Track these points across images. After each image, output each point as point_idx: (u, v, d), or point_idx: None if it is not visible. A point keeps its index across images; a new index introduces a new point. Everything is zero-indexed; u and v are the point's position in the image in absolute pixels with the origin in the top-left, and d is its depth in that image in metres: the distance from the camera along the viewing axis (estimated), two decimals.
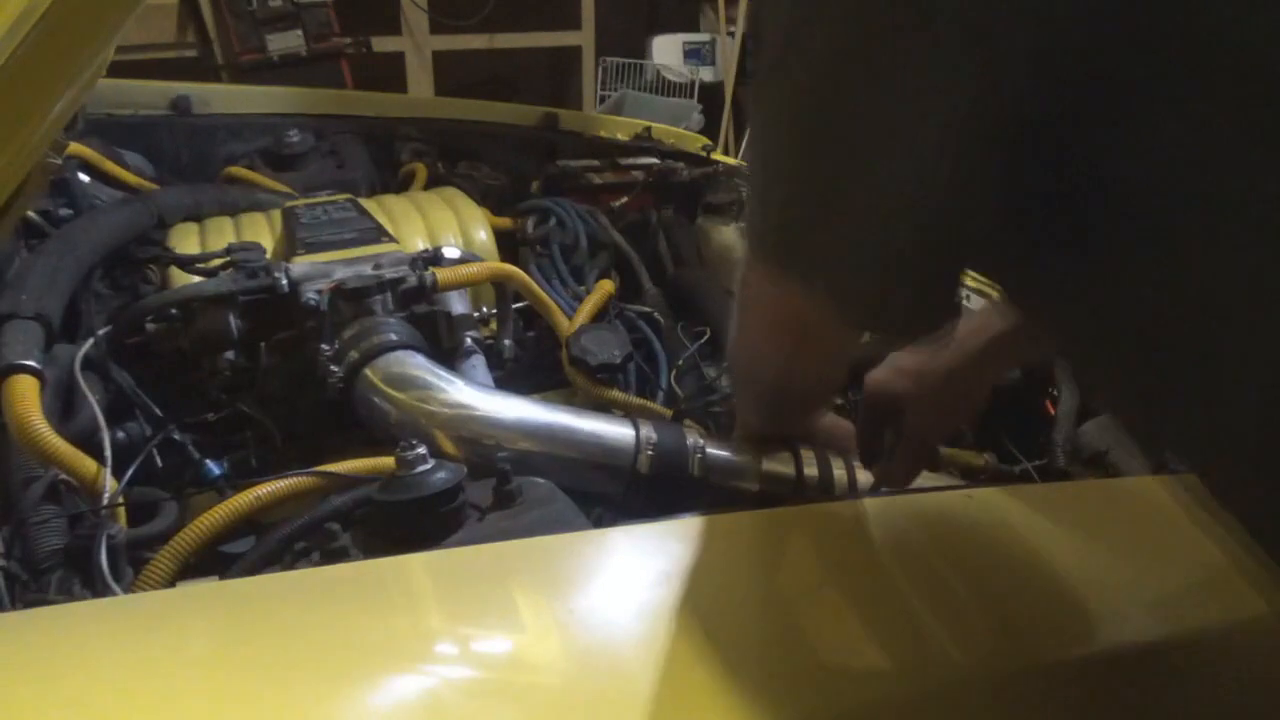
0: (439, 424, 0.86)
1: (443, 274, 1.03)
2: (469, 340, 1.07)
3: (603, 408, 1.04)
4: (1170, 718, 0.62)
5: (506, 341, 1.15)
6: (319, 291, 0.96)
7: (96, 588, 0.71)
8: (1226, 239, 0.32)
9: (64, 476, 0.78)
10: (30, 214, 1.11)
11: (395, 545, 0.66)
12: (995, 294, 1.11)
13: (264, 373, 0.98)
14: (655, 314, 1.27)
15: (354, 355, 0.92)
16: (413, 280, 1.01)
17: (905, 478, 0.83)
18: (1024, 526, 0.67)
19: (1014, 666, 0.55)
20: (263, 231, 1.19)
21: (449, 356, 1.05)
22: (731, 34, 4.04)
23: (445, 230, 1.24)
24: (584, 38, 3.98)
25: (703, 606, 0.57)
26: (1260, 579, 0.64)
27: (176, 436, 0.92)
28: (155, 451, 0.90)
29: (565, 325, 1.16)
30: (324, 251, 1.04)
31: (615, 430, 0.90)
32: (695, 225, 1.57)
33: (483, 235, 1.25)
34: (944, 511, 0.68)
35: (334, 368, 0.92)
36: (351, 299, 0.98)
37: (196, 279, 1.02)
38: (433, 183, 1.56)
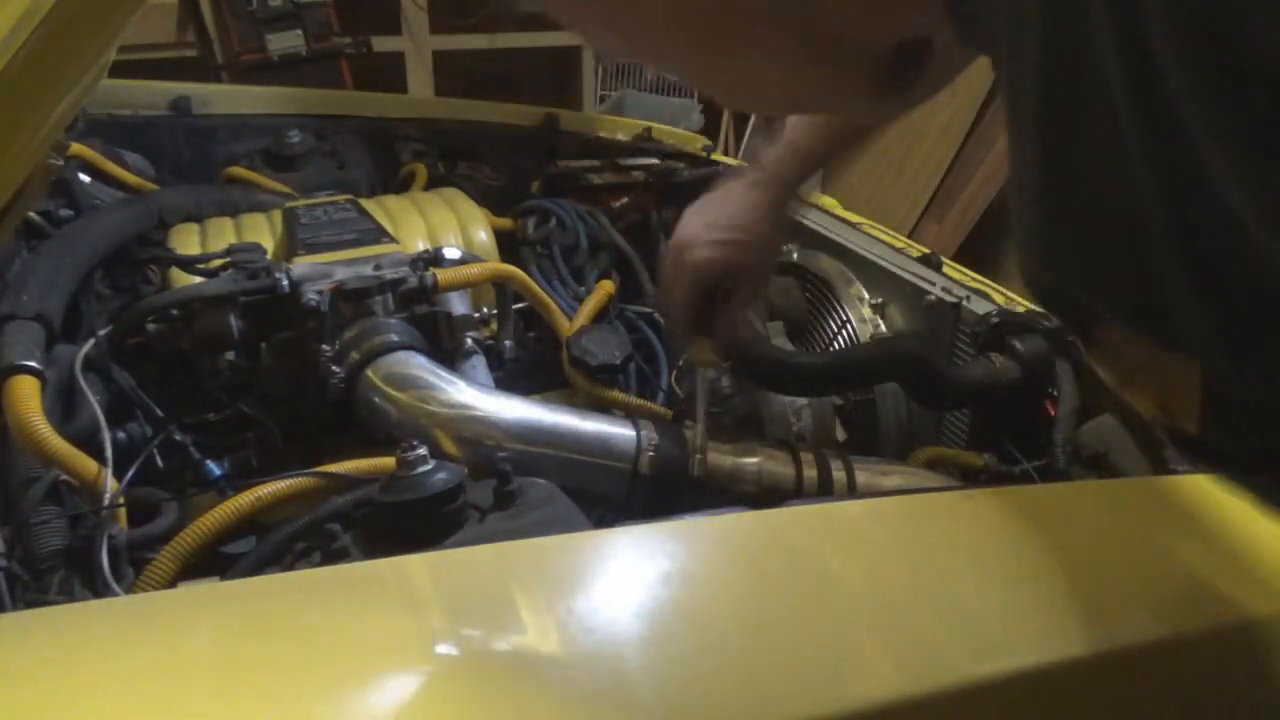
0: (440, 424, 0.86)
1: (443, 275, 1.03)
2: (469, 341, 1.08)
3: (603, 408, 1.04)
4: (1170, 718, 0.62)
5: (507, 342, 1.15)
6: (320, 292, 0.96)
7: (97, 588, 0.71)
8: None
9: (65, 477, 0.78)
10: (31, 215, 1.11)
11: (396, 546, 0.66)
12: (994, 294, 1.11)
13: (264, 373, 0.98)
14: (655, 314, 1.27)
15: (355, 356, 0.92)
16: (413, 281, 1.01)
17: (746, 330, 0.91)
18: (1024, 526, 0.67)
19: (1014, 667, 0.55)
20: (263, 232, 1.19)
21: (449, 357, 1.05)
22: None
23: (445, 231, 1.24)
24: None
25: (703, 607, 0.57)
26: (1260, 579, 0.64)
27: (177, 437, 0.92)
28: (156, 452, 0.90)
29: (566, 326, 1.16)
30: (324, 252, 1.04)
31: (616, 431, 0.91)
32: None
33: (483, 236, 1.26)
34: (944, 511, 0.68)
35: (335, 368, 0.92)
36: (352, 300, 0.98)
37: (197, 279, 1.02)
38: (433, 183, 1.56)
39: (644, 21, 0.42)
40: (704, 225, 0.91)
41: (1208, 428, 0.39)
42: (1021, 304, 1.10)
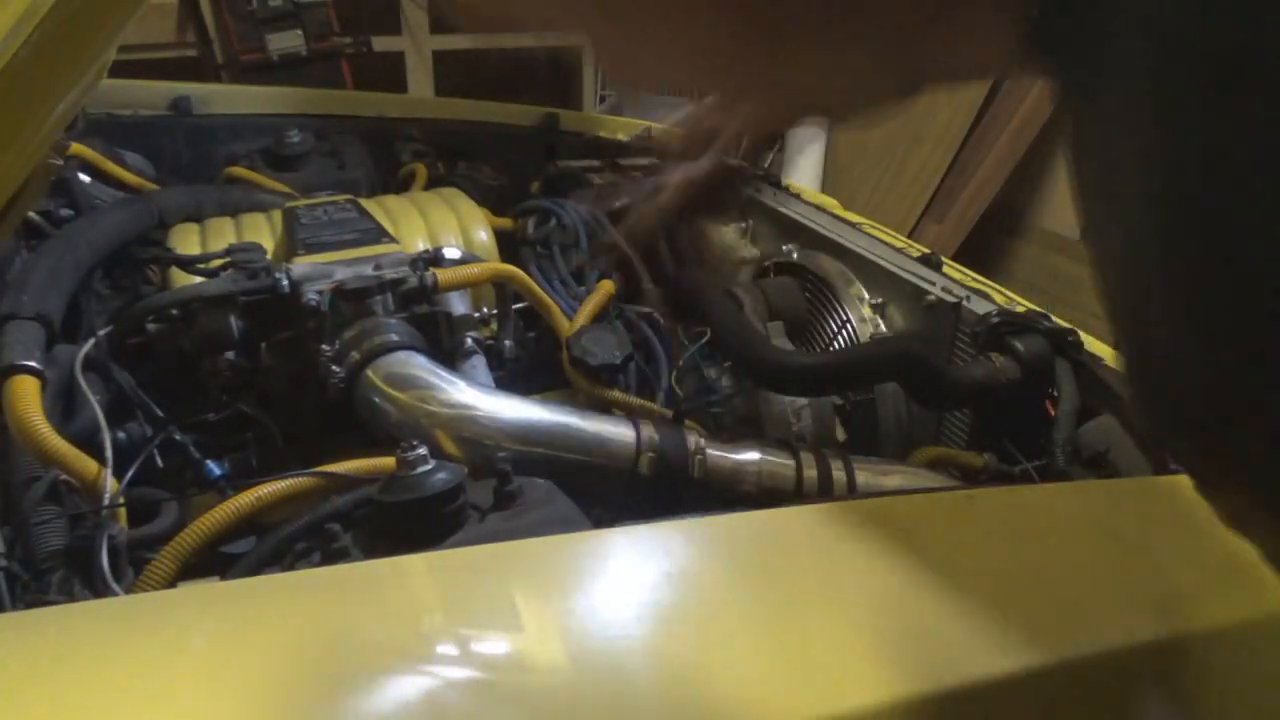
0: (440, 424, 0.86)
1: (443, 275, 1.03)
2: (469, 341, 1.08)
3: (603, 408, 1.04)
4: (1171, 718, 0.62)
5: (507, 342, 1.15)
6: (320, 292, 0.96)
7: (97, 588, 0.71)
8: None
9: (65, 477, 0.78)
10: (31, 214, 1.11)
11: (396, 546, 0.66)
12: (994, 294, 1.11)
13: (264, 373, 0.98)
14: (655, 314, 1.27)
15: (355, 356, 0.92)
16: (413, 281, 1.01)
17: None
18: (1024, 526, 0.67)
19: (1014, 667, 0.55)
20: (263, 232, 1.19)
21: (449, 357, 1.05)
22: None
23: (446, 231, 1.24)
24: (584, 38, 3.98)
25: (703, 607, 0.57)
26: (1260, 579, 0.64)
27: (177, 437, 0.92)
28: (156, 452, 0.90)
29: (565, 326, 1.16)
30: (324, 252, 1.04)
31: (616, 431, 0.91)
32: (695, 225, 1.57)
33: (483, 235, 1.26)
34: (944, 511, 0.68)
35: (335, 368, 0.92)
36: (352, 299, 0.98)
37: (197, 279, 1.03)
38: (433, 183, 1.57)
39: (688, 18, 0.35)
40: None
41: None
42: (1021, 304, 1.10)
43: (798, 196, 1.47)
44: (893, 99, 0.41)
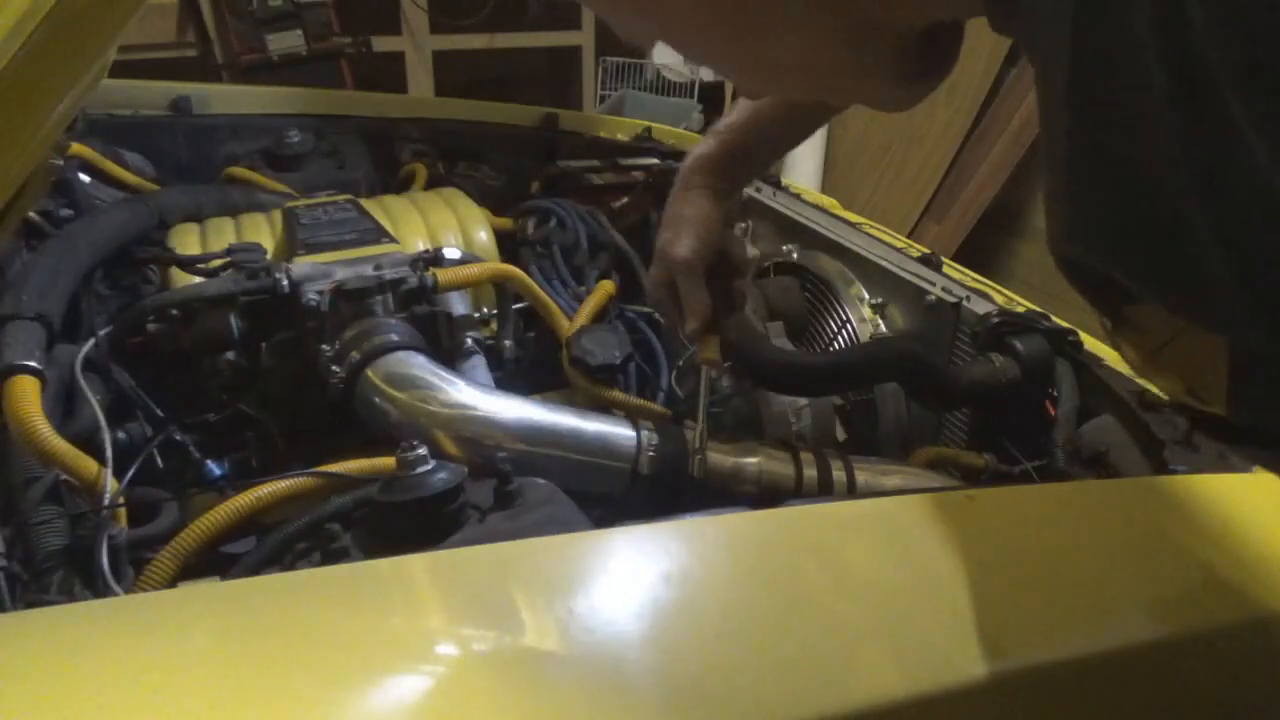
0: (440, 424, 0.86)
1: (443, 275, 1.03)
2: (469, 341, 1.08)
3: (603, 408, 1.04)
4: (1170, 718, 0.62)
5: (507, 342, 1.15)
6: (320, 292, 0.96)
7: (97, 588, 0.71)
8: None
9: (65, 477, 0.78)
10: (31, 215, 1.11)
11: (396, 546, 0.66)
12: (994, 294, 1.11)
13: (265, 373, 0.98)
14: (655, 314, 1.27)
15: (355, 356, 0.92)
16: (413, 281, 1.01)
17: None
18: (1024, 526, 0.67)
19: (1014, 667, 0.55)
20: (263, 232, 1.19)
21: (449, 357, 1.05)
22: None
23: (445, 231, 1.24)
24: (584, 38, 3.98)
25: (703, 607, 0.57)
26: (1260, 579, 0.64)
27: (177, 437, 0.92)
28: (156, 452, 0.90)
29: (565, 326, 1.16)
30: (324, 252, 1.04)
31: (616, 431, 0.91)
32: None
33: (483, 236, 1.26)
34: (944, 511, 0.68)
35: (335, 368, 0.92)
36: (352, 299, 0.98)
37: (197, 279, 1.03)
38: (433, 183, 1.56)
39: (677, 4, 0.43)
40: (672, 230, 0.92)
41: (1236, 408, 0.39)
42: (1021, 304, 1.10)
43: (798, 196, 1.47)
44: (885, 82, 0.44)
